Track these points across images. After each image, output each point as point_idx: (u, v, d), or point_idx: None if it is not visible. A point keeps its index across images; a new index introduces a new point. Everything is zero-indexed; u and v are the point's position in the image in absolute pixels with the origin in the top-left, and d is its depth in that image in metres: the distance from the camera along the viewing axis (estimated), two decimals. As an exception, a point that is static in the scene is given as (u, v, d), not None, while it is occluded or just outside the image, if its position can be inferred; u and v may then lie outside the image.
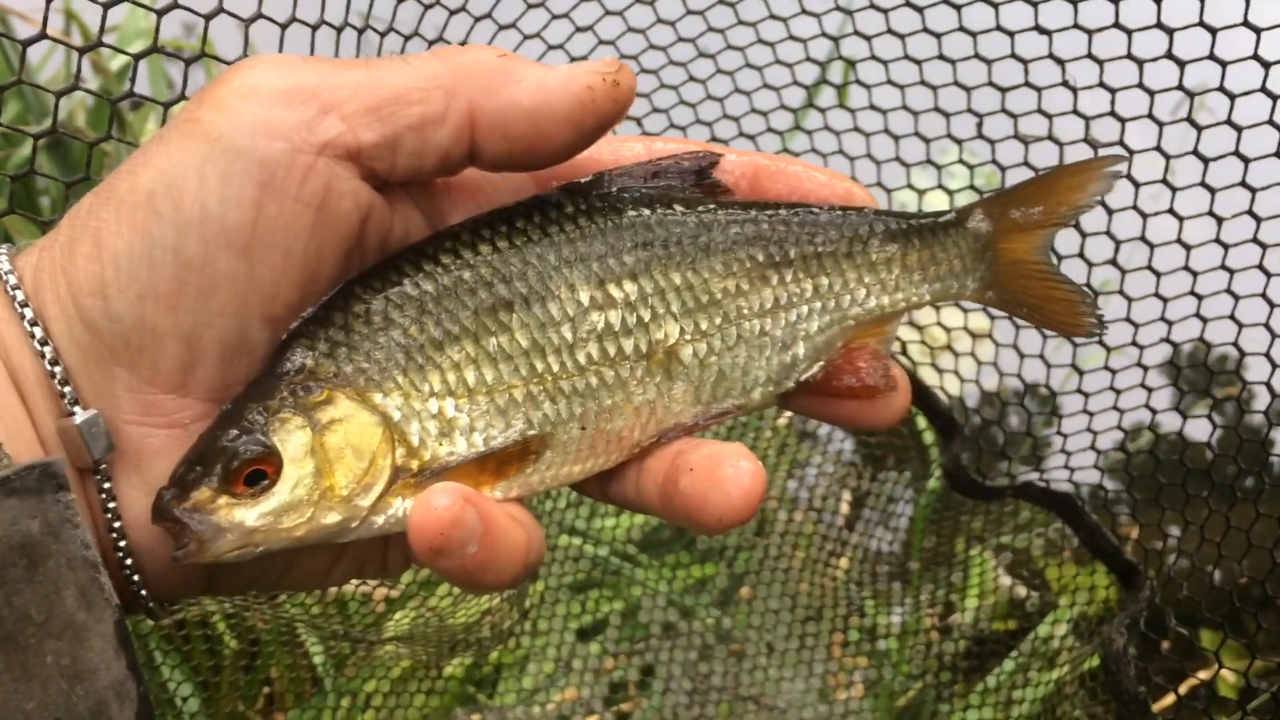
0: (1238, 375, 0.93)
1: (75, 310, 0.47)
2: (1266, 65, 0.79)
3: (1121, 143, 0.87)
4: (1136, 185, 0.89)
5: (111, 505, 0.48)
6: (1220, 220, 0.86)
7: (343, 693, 1.15)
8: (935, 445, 1.19)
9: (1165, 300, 0.91)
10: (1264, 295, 0.86)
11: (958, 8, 0.88)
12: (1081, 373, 0.99)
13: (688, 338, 0.53)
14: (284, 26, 0.70)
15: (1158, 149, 0.86)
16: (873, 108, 0.98)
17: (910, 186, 1.01)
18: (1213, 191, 0.85)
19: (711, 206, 0.54)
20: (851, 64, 0.99)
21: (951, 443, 1.08)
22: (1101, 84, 0.85)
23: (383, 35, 0.80)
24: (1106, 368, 0.97)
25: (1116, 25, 0.82)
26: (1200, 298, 0.89)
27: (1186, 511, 0.94)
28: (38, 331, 0.47)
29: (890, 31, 0.93)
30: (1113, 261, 0.92)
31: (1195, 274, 0.89)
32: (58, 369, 0.47)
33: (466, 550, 0.46)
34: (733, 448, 0.50)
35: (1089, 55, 0.85)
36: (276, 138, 0.46)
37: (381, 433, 0.49)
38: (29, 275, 0.48)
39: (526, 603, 1.17)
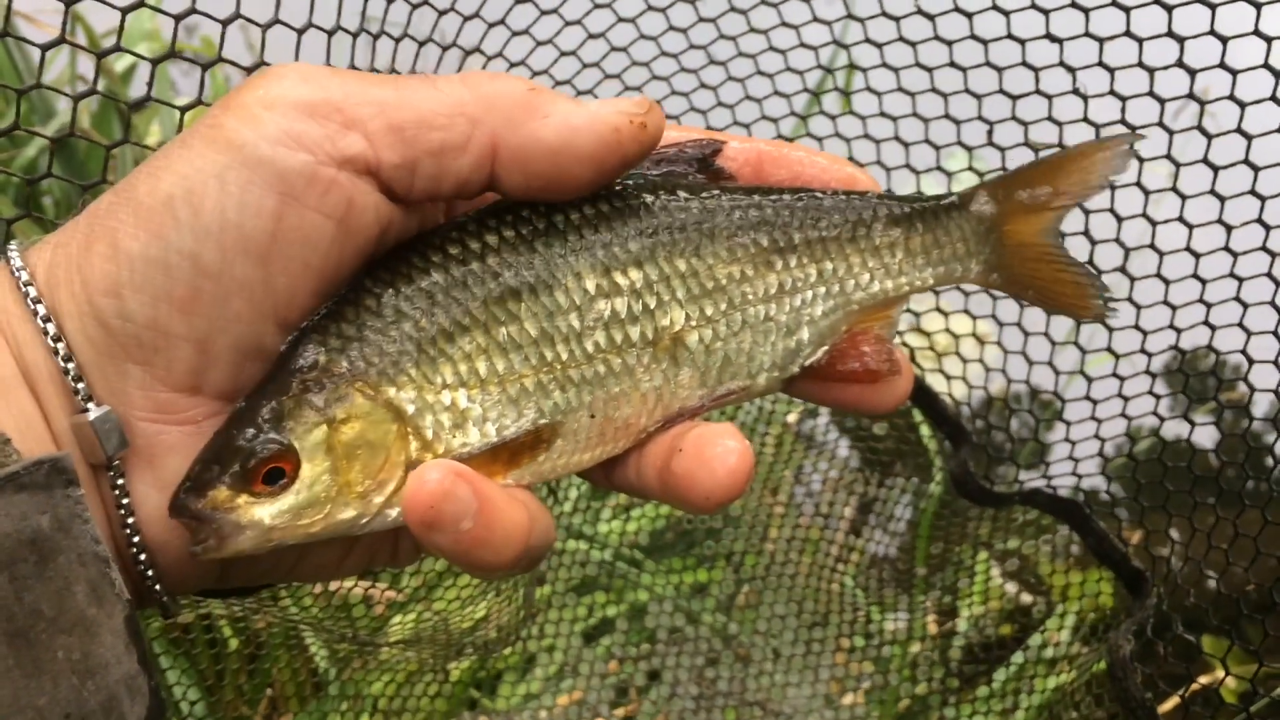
0: (1245, 382, 0.93)
1: (90, 308, 0.47)
2: (1277, 74, 0.79)
3: (1136, 145, 0.88)
4: (1146, 193, 0.89)
5: (125, 501, 0.48)
6: (1229, 228, 0.86)
7: (346, 695, 1.15)
8: (940, 451, 1.19)
9: (1174, 307, 0.91)
10: (1272, 303, 0.86)
11: (969, 16, 0.88)
12: (1089, 378, 0.99)
13: (694, 324, 0.53)
14: (300, 32, 0.70)
15: (1168, 157, 0.87)
16: (883, 114, 0.99)
17: (919, 193, 1.02)
18: (1222, 200, 0.85)
19: (715, 192, 0.54)
20: (862, 70, 0.99)
21: (958, 449, 1.08)
22: (1112, 92, 0.86)
23: (397, 41, 0.81)
24: (1114, 374, 0.97)
25: (1128, 34, 0.82)
26: (1209, 305, 0.89)
27: (1193, 517, 0.94)
28: (50, 328, 0.47)
29: (901, 39, 0.93)
30: (1122, 269, 0.92)
31: (1204, 281, 0.89)
32: (71, 365, 0.47)
33: (460, 526, 0.46)
34: (721, 427, 0.50)
35: (1100, 63, 0.85)
36: (299, 149, 0.46)
37: (396, 427, 0.49)
38: (43, 271, 0.48)
39: (533, 605, 1.17)
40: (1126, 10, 0.81)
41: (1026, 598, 1.27)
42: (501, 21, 0.90)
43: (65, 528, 0.43)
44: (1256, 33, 0.78)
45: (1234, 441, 0.97)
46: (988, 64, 0.90)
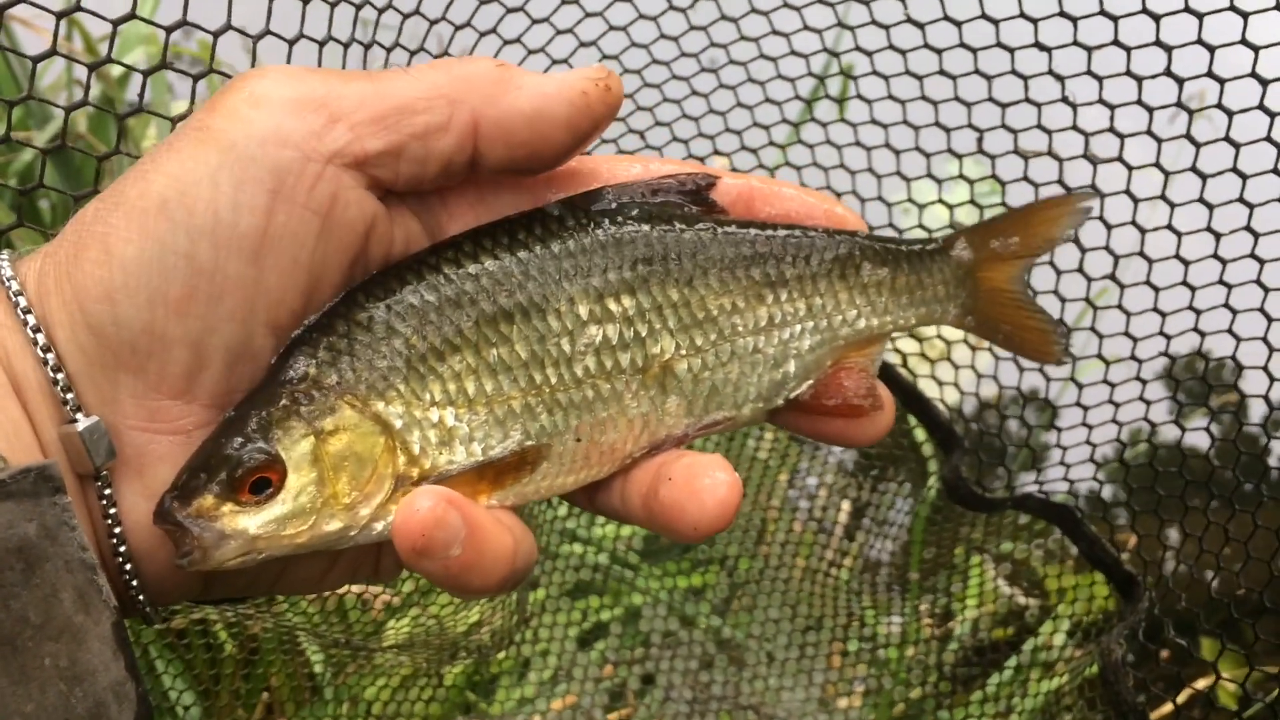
0: (1235, 387, 0.94)
1: (81, 316, 0.47)
2: (1264, 82, 0.80)
3: (1120, 158, 0.88)
4: (1135, 200, 0.89)
5: (112, 511, 0.48)
6: (1218, 236, 0.87)
7: (342, 699, 1.15)
8: (934, 456, 1.19)
9: (1164, 314, 0.91)
10: (1261, 309, 0.87)
11: (958, 25, 0.89)
12: (1080, 385, 1.00)
13: (683, 353, 0.54)
14: (291, 42, 0.71)
15: (1156, 165, 0.87)
16: (874, 122, 0.99)
17: (911, 200, 1.02)
18: (1211, 207, 0.86)
19: (709, 225, 0.55)
20: (853, 79, 0.99)
21: (951, 454, 1.08)
22: (1101, 100, 0.86)
23: (389, 50, 0.81)
24: (1105, 380, 0.98)
25: (1116, 43, 0.83)
26: (1199, 312, 0.90)
27: (1185, 522, 0.95)
28: (40, 338, 0.47)
29: (891, 47, 0.93)
30: (1112, 276, 0.93)
31: (1193, 288, 0.89)
32: (60, 375, 0.47)
33: (450, 552, 0.47)
34: (710, 459, 0.51)
35: (1088, 72, 0.85)
36: (287, 146, 0.47)
37: (383, 441, 0.50)
38: (33, 281, 0.48)
39: (526, 609, 1.18)
40: (1114, 19, 0.82)
41: (1022, 601, 1.27)
42: (493, 30, 0.90)
43: (52, 535, 0.44)
44: (1244, 41, 0.78)
45: (1225, 446, 0.97)
46: (977, 72, 0.90)
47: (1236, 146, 0.82)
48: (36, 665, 0.42)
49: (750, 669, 1.19)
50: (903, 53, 0.93)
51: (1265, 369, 0.88)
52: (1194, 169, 0.85)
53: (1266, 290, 0.86)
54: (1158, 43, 0.81)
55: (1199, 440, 0.98)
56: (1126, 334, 0.93)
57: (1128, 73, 0.84)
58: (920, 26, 0.90)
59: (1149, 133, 0.86)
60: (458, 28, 0.87)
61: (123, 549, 0.49)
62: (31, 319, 0.47)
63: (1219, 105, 0.81)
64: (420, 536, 0.46)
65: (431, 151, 0.49)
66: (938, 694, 1.19)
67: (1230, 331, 0.89)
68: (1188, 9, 0.80)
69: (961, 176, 0.99)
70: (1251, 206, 0.84)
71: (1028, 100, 0.89)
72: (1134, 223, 0.90)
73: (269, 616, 0.96)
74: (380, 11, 0.78)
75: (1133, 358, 0.94)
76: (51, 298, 0.47)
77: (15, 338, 0.47)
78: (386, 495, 0.50)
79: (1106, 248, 0.92)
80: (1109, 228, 0.91)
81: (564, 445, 0.52)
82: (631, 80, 1.00)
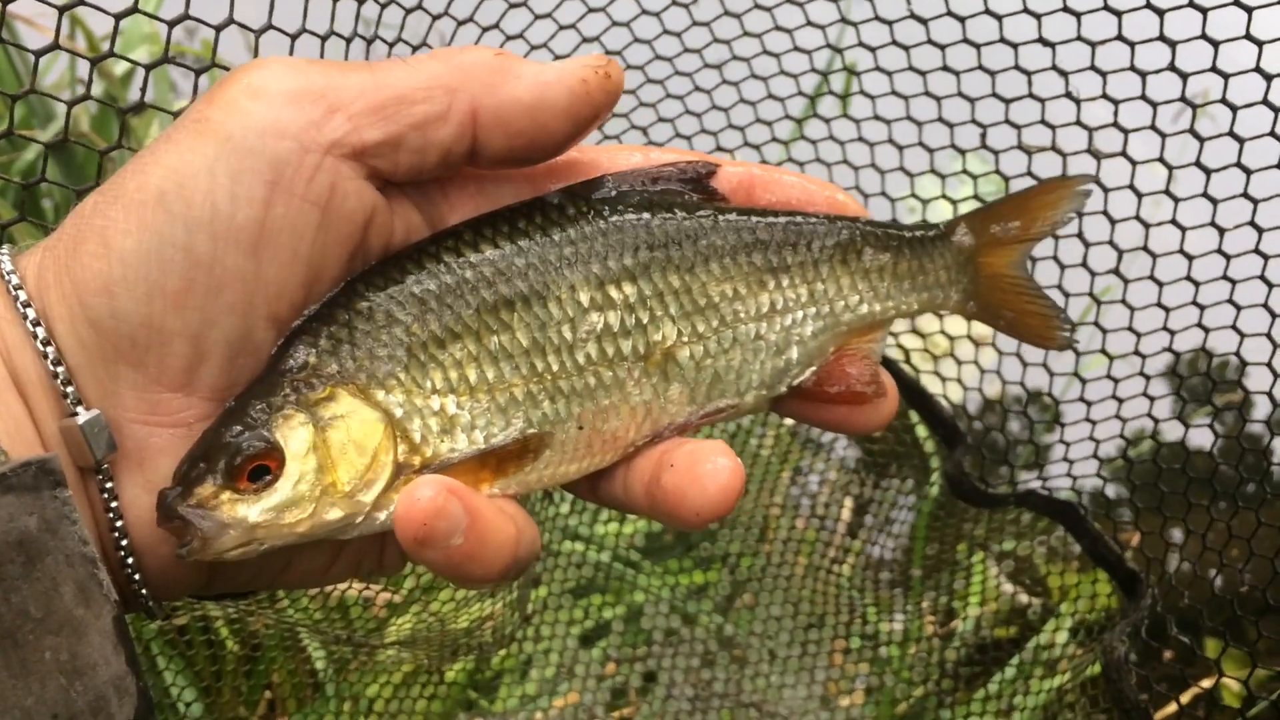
0: (1239, 384, 0.94)
1: (81, 309, 0.47)
2: (1268, 78, 0.79)
3: (1124, 153, 0.88)
4: (1139, 196, 0.89)
5: (113, 504, 0.48)
6: (1222, 231, 0.86)
7: (344, 697, 1.15)
8: (937, 453, 1.19)
9: (1167, 310, 0.91)
10: (1265, 305, 0.87)
11: (962, 20, 0.89)
12: (1084, 381, 0.99)
13: (685, 340, 0.54)
14: (294, 37, 0.71)
15: (1160, 160, 0.87)
16: (877, 118, 0.99)
17: (914, 195, 1.02)
18: (1215, 202, 0.86)
19: (710, 212, 0.55)
20: (856, 74, 0.99)
21: (954, 450, 1.08)
22: (1105, 95, 0.86)
23: (391, 45, 0.81)
24: (1109, 376, 0.98)
25: (1120, 38, 0.82)
26: (1202, 308, 0.89)
27: (1188, 519, 0.94)
28: (40, 331, 0.47)
29: (895, 43, 0.93)
30: (1115, 271, 0.93)
31: (1197, 284, 0.89)
32: (60, 369, 0.47)
33: (451, 542, 0.46)
34: (712, 444, 0.51)
35: (1092, 67, 0.85)
36: (285, 137, 0.47)
37: (383, 429, 0.50)
38: (32, 275, 0.48)
39: (529, 608, 1.18)
40: (1118, 14, 0.81)
41: (1024, 599, 1.27)
42: (496, 25, 0.90)
43: (53, 529, 0.44)
44: (1248, 37, 0.78)
45: (1229, 443, 0.97)
46: (980, 68, 0.90)
47: (1240, 142, 0.82)
48: (37, 659, 0.42)
49: (752, 667, 1.19)
50: (906, 48, 0.93)
51: (1269, 365, 0.88)
52: (1198, 164, 0.85)
53: (1271, 286, 0.86)
54: (1161, 38, 0.81)
55: (1203, 437, 0.98)
56: (1130, 329, 0.93)
57: (1131, 68, 0.83)
58: (924, 22, 0.90)
59: (1153, 128, 0.86)
60: (460, 23, 0.87)
61: (124, 543, 0.49)
62: (31, 313, 0.47)
63: (1223, 100, 0.81)
64: (422, 526, 0.46)
65: (430, 141, 0.49)
66: (940, 692, 1.19)
67: (1234, 328, 0.89)
68: (1191, 4, 0.80)
69: (965, 172, 0.99)
70: (1256, 202, 0.84)
71: (1031, 96, 0.89)
72: (1138, 218, 0.90)
73: (271, 614, 0.96)
74: (383, 7, 0.78)
75: (1136, 353, 0.94)
76: (51, 291, 0.47)
77: (15, 331, 0.47)
78: (387, 484, 0.50)
79: (1110, 243, 0.92)
80: (1113, 223, 0.90)
81: (566, 433, 0.52)
82: (635, 76, 1.00)
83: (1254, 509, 0.91)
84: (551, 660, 1.20)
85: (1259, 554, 0.90)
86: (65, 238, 0.48)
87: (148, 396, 0.48)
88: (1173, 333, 0.92)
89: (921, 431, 1.19)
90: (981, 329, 1.09)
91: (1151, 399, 0.97)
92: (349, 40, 0.76)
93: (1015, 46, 0.88)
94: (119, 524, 0.48)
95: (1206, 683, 1.06)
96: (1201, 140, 0.84)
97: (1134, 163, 0.88)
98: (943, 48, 0.91)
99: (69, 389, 0.47)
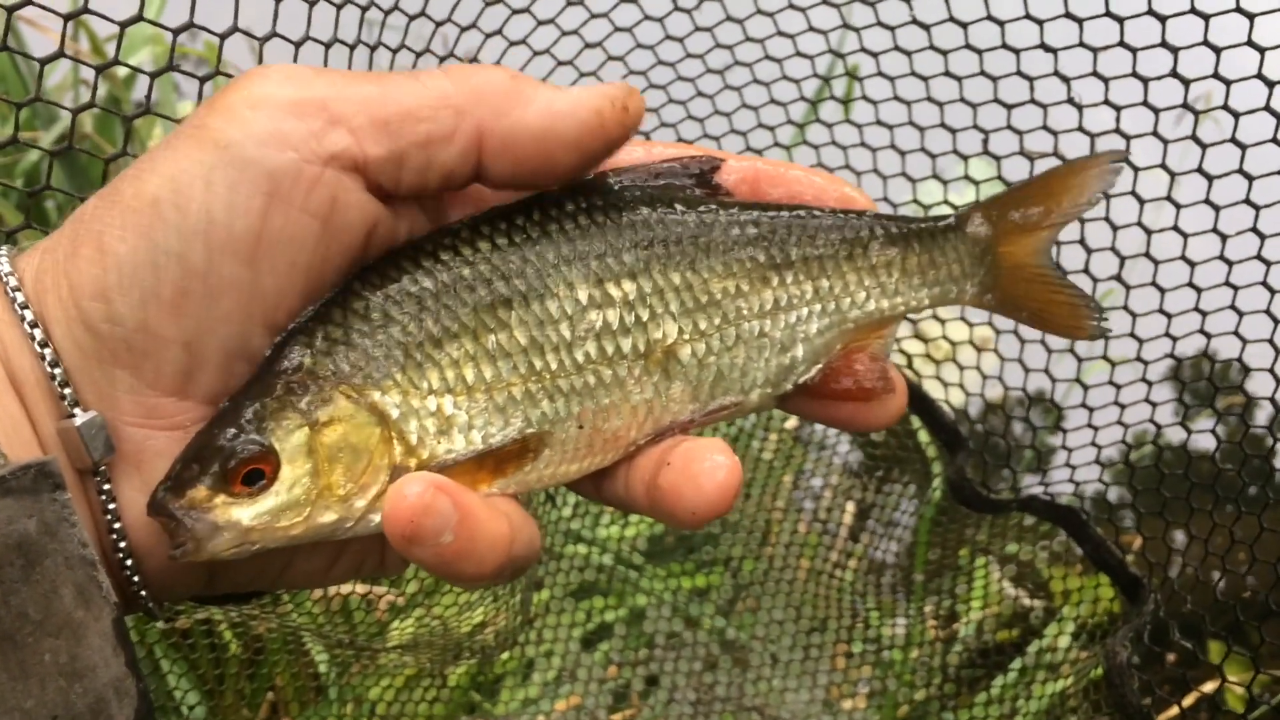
0: (1241, 389, 0.94)
1: (77, 312, 0.47)
2: (1270, 84, 0.79)
3: (1126, 159, 0.88)
4: (1141, 201, 0.89)
5: (111, 506, 0.48)
6: (1224, 237, 0.87)
7: (346, 699, 1.15)
8: (939, 457, 1.19)
9: (1170, 315, 0.91)
10: (1268, 311, 0.87)
11: (964, 26, 0.89)
12: (1086, 386, 0.99)
13: (686, 337, 0.53)
14: (298, 44, 0.71)
15: (1162, 166, 0.87)
16: (879, 123, 0.99)
17: (916, 201, 1.02)
18: (1217, 209, 0.86)
19: (712, 207, 0.54)
20: (858, 80, 1.00)
21: (955, 455, 1.08)
22: (1106, 101, 0.86)
23: (395, 52, 0.81)
24: (1111, 381, 0.98)
25: (1121, 44, 0.83)
26: (1204, 313, 0.89)
27: (1191, 524, 0.94)
28: (38, 333, 0.47)
29: (897, 48, 0.93)
30: (1117, 277, 0.93)
31: (1199, 290, 0.89)
32: (58, 371, 0.47)
33: (441, 539, 0.46)
34: (710, 443, 0.50)
35: (1094, 73, 0.85)
36: (285, 148, 0.46)
37: (379, 431, 0.49)
38: (30, 277, 0.48)
39: (531, 610, 1.18)
40: (1120, 20, 0.82)
41: (1027, 603, 1.27)
42: (499, 31, 0.91)
43: (52, 531, 0.43)
44: (1250, 43, 0.78)
45: (1231, 448, 0.97)
46: (983, 73, 0.90)
47: (1242, 148, 0.82)
48: (36, 661, 0.42)
49: (754, 670, 1.19)
50: (908, 54, 0.93)
51: (1271, 371, 0.88)
52: (1200, 170, 0.85)
53: (1273, 292, 0.86)
54: (1164, 44, 0.81)
55: (1205, 442, 0.98)
56: (1132, 335, 0.93)
57: (1133, 74, 0.84)
58: (926, 28, 0.90)
59: (1155, 134, 0.86)
60: (463, 29, 0.87)
61: (123, 544, 0.49)
62: (29, 314, 0.47)
63: (1225, 106, 0.81)
64: (409, 523, 0.45)
65: (433, 161, 0.48)
66: (942, 696, 1.19)
67: (1236, 333, 0.89)
68: (1194, 10, 0.80)
69: (967, 177, 0.99)
70: (1258, 208, 0.84)
71: (1033, 101, 0.89)
72: (1140, 224, 0.90)
73: (274, 616, 0.96)
74: (386, 13, 0.78)
75: (1138, 359, 0.94)
76: (49, 294, 0.47)
77: (13, 333, 0.47)
78: (383, 486, 0.49)
79: (1112, 248, 0.92)
80: (1115, 229, 0.91)
81: (566, 433, 0.52)
82: (637, 81, 1.00)
83: (1257, 513, 0.91)
84: (553, 663, 1.20)
85: (1261, 558, 0.90)
86: (63, 241, 0.48)
87: (144, 400, 0.48)
88: (1175, 338, 0.92)
89: (923, 436, 1.19)
90: (983, 333, 1.09)
91: (1153, 404, 0.97)
92: (353, 47, 0.76)
93: (1017, 52, 0.88)
94: (117, 526, 0.48)
95: (1209, 687, 1.06)
96: (1203, 146, 0.84)
97: (1136, 169, 0.88)
98: (945, 53, 0.91)
99: (66, 391, 0.47)
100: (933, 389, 1.12)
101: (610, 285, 0.52)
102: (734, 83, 1.01)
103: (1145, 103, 0.85)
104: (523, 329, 0.51)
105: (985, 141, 0.93)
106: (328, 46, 0.73)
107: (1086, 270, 0.93)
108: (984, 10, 0.87)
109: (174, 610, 0.89)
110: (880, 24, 0.93)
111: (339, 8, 0.73)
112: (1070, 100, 0.87)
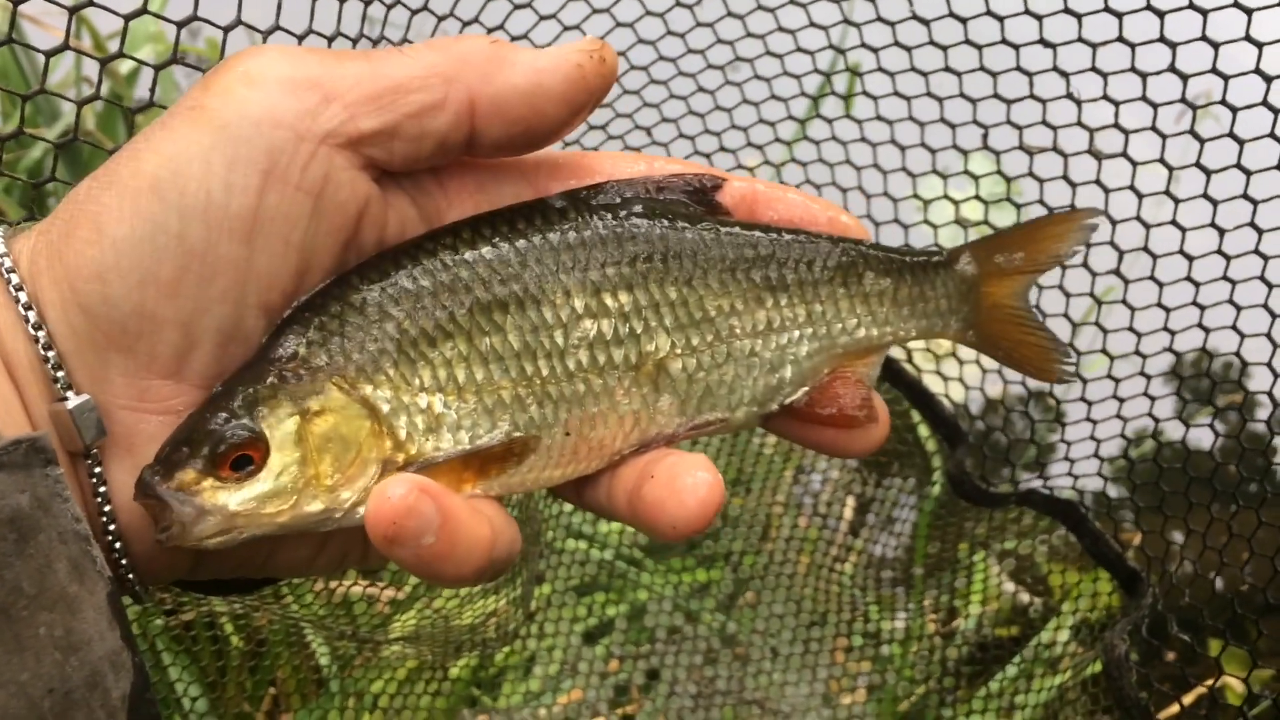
0: (1240, 384, 0.94)
1: (72, 295, 0.47)
2: (1268, 79, 0.80)
3: (1125, 154, 0.89)
4: (1140, 196, 0.90)
5: (102, 489, 0.48)
6: (1223, 232, 0.87)
7: (348, 693, 1.15)
8: (939, 452, 1.20)
9: (1168, 310, 0.91)
10: (1265, 306, 0.87)
11: (964, 21, 0.89)
12: (1085, 381, 1.00)
13: (678, 352, 0.54)
14: (300, 38, 0.71)
15: (1161, 161, 0.87)
16: (880, 118, 0.99)
17: (917, 195, 1.02)
18: (1215, 203, 0.86)
19: (712, 225, 0.55)
20: (859, 75, 1.00)
21: (955, 450, 1.09)
22: (1106, 97, 0.87)
23: (398, 45, 0.81)
24: (1110, 376, 0.98)
25: (1120, 39, 0.83)
26: (1203, 308, 0.90)
27: (1189, 519, 0.95)
28: (32, 315, 0.47)
29: (897, 44, 0.94)
30: (1116, 271, 0.93)
31: (1198, 285, 0.89)
32: (51, 353, 0.47)
33: (422, 541, 0.46)
34: (694, 458, 0.50)
35: (1093, 68, 0.86)
36: (281, 126, 0.46)
37: (369, 425, 0.49)
38: (25, 259, 0.48)
39: (532, 605, 1.18)
40: (1119, 16, 0.82)
41: (1026, 598, 1.27)
42: (501, 26, 0.91)
43: (45, 506, 0.44)
44: (1248, 38, 0.78)
45: (1230, 443, 0.97)
46: (982, 69, 0.91)
47: (1240, 143, 0.82)
48: (31, 635, 0.42)
49: (755, 664, 1.20)
50: (908, 50, 0.94)
51: (1269, 365, 0.88)
52: (1198, 165, 0.85)
53: (1271, 287, 0.86)
54: (1162, 39, 0.81)
55: (1203, 437, 0.98)
56: (1131, 329, 0.94)
57: (1132, 69, 0.84)
58: (926, 23, 0.91)
59: (1153, 129, 0.86)
60: (465, 23, 0.88)
61: (112, 527, 0.49)
62: (23, 296, 0.47)
63: (1223, 102, 0.82)
64: (391, 524, 0.46)
65: (427, 130, 0.49)
66: (941, 690, 1.19)
67: (1235, 328, 0.89)
68: (1192, 6, 0.80)
69: (967, 172, 0.99)
70: (1256, 203, 0.85)
71: (1033, 97, 0.90)
72: (1138, 218, 0.90)
73: (276, 610, 0.97)
74: (389, 8, 0.79)
75: (1137, 353, 0.95)
76: (43, 276, 0.47)
77: (7, 314, 0.47)
78: (371, 480, 0.49)
79: (1111, 243, 0.92)
80: (1114, 223, 0.91)
81: (552, 438, 0.52)
82: (638, 76, 1.00)
83: (1255, 508, 0.91)
84: (555, 657, 1.20)
85: (1260, 553, 0.90)
86: (59, 222, 0.48)
87: (138, 383, 0.48)
88: (1173, 333, 0.92)
89: (923, 431, 1.20)
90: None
91: (1152, 399, 0.97)
92: (355, 41, 0.76)
93: (1017, 48, 0.88)
94: (107, 508, 0.48)
95: (1209, 682, 1.07)
96: (1202, 141, 0.84)
97: (1135, 164, 0.88)
98: (945, 49, 0.91)
99: (59, 374, 0.47)
100: (933, 384, 1.12)
101: (606, 296, 0.52)
102: (735, 78, 1.01)
103: (1144, 98, 0.85)
104: (517, 333, 0.51)
105: (985, 137, 0.94)
106: (330, 40, 0.74)
107: (1085, 265, 0.94)
108: (984, 6, 0.88)
109: (175, 603, 0.90)
110: (881, 19, 0.93)
111: (341, 2, 0.73)
112: (1069, 95, 0.88)
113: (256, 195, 0.47)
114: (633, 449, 0.54)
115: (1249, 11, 0.78)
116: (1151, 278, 0.91)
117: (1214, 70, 0.80)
